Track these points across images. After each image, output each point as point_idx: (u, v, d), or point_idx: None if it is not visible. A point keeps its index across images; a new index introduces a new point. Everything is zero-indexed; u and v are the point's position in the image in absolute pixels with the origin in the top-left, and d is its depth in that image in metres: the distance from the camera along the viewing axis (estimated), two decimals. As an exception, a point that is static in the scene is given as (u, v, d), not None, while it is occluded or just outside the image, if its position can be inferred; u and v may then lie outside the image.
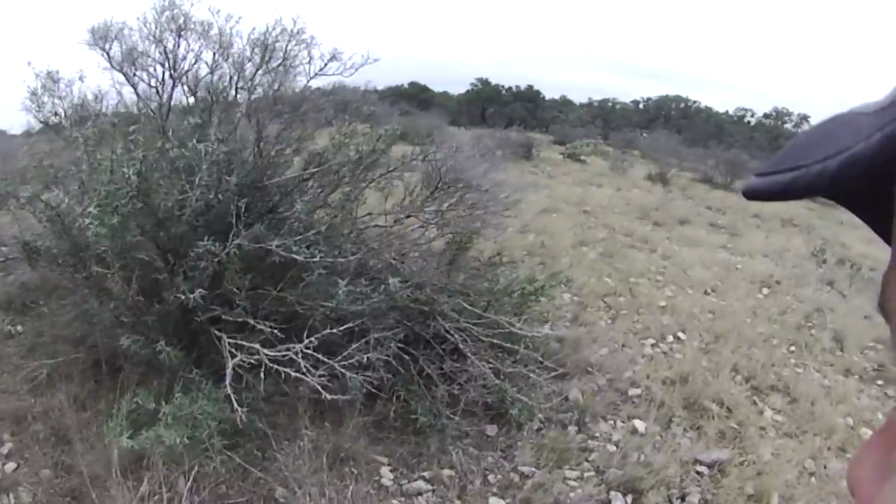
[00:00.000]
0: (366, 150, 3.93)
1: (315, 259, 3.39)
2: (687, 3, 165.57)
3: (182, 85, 4.88)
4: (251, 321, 3.47)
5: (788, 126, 57.17)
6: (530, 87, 63.22)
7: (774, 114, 58.03)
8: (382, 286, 3.55)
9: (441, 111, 43.07)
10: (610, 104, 64.01)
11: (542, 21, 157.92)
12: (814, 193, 0.31)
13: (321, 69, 4.61)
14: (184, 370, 3.49)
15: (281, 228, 3.75)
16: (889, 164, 0.26)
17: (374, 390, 3.77)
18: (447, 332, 4.08)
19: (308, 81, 4.72)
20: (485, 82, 63.90)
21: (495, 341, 4.16)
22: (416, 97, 61.16)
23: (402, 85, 67.21)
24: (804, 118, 56.81)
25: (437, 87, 67.52)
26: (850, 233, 13.24)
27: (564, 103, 63.60)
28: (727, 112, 61.14)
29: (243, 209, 3.54)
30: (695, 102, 63.13)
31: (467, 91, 64.00)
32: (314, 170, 4.02)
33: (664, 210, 12.95)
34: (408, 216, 4.35)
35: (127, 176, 3.30)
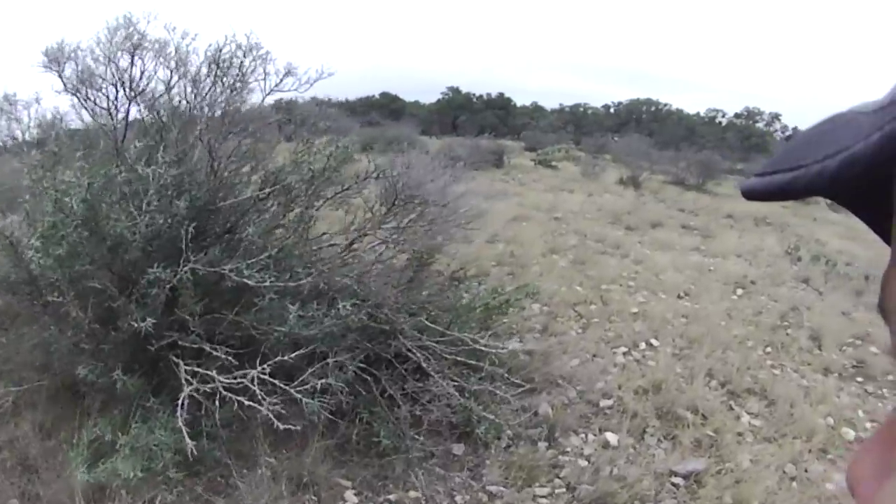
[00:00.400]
0: (318, 169, 3.82)
1: (265, 284, 3.29)
2: (655, 6, 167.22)
3: (138, 105, 4.75)
4: (207, 347, 3.38)
5: (760, 125, 57.72)
6: (501, 94, 63.46)
7: (746, 113, 58.49)
8: (334, 310, 3.45)
9: (412, 121, 43.18)
10: (581, 109, 64.34)
11: (513, 28, 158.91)
12: (813, 193, 0.30)
13: (276, 85, 4.50)
14: (142, 398, 3.41)
15: (237, 251, 3.65)
16: (889, 164, 0.26)
17: (333, 416, 3.65)
18: (409, 350, 3.98)
19: (264, 98, 4.63)
20: (456, 91, 64.15)
21: (460, 358, 4.05)
22: (387, 107, 61.33)
23: (373, 95, 67.38)
24: (775, 116, 57.35)
25: (408, 97, 67.63)
26: (825, 229, 13.28)
27: (536, 109, 63.92)
28: (698, 113, 61.63)
29: (194, 233, 3.42)
30: (666, 105, 63.63)
31: (438, 100, 64.26)
32: (269, 189, 3.92)
33: (636, 214, 12.89)
34: (364, 234, 4.23)
35: (70, 205, 3.20)
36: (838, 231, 13.18)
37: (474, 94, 63.69)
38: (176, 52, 4.59)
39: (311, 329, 3.38)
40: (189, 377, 3.22)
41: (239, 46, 4.38)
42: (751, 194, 0.35)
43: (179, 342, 3.46)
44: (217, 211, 3.85)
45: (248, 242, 3.65)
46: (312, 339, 3.41)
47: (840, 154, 0.28)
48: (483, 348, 3.98)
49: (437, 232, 4.49)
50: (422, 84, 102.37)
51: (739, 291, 8.37)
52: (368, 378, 3.91)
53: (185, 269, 3.32)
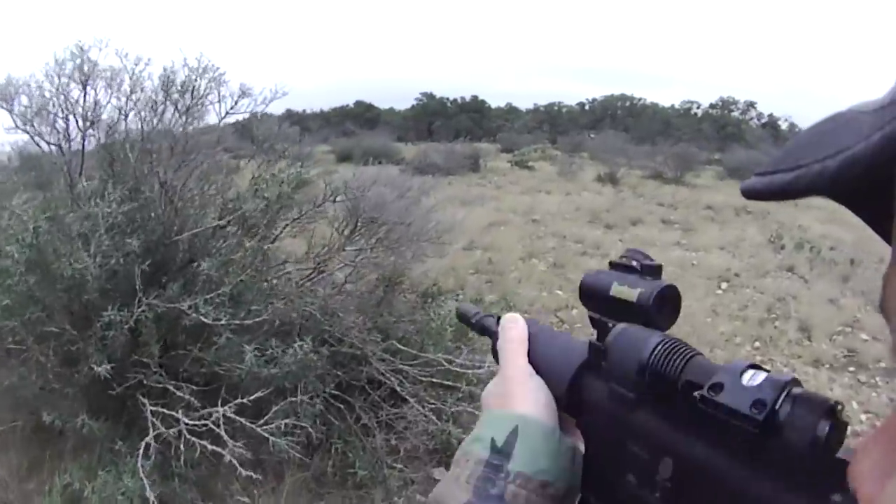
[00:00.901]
0: (272, 196, 3.64)
1: (221, 322, 3.16)
2: (625, 3, 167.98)
3: (92, 136, 4.54)
4: (170, 387, 3.28)
5: (735, 114, 57.97)
6: (475, 97, 63.71)
7: (720, 103, 58.88)
8: (291, 348, 3.28)
9: (387, 128, 43.11)
10: (556, 108, 64.51)
11: (484, 31, 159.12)
12: (814, 193, 0.30)
13: (232, 107, 4.39)
14: (111, 441, 3.31)
15: (195, 285, 3.51)
16: (889, 164, 0.26)
17: (309, 447, 3.56)
18: (382, 375, 3.83)
19: (220, 121, 4.49)
20: (430, 96, 64.33)
21: (436, 380, 3.91)
22: (361, 116, 61.30)
23: (348, 105, 67.42)
24: (751, 104, 57.74)
25: (383, 104, 67.80)
26: (806, 214, 13.13)
27: (510, 111, 64.08)
28: (673, 106, 62.02)
29: (153, 269, 3.37)
30: (640, 99, 64.01)
31: (413, 106, 64.42)
32: (226, 219, 3.78)
33: (615, 212, 12.74)
34: (327, 260, 4.07)
35: (12, 254, 3.11)
36: (820, 216, 13.05)
37: (448, 99, 63.83)
38: (130, 78, 4.43)
39: (271, 368, 3.23)
40: (154, 419, 3.14)
41: (192, 70, 4.29)
42: (751, 194, 0.34)
43: (145, 381, 3.34)
44: (174, 244, 3.70)
45: (206, 277, 3.49)
46: (273, 378, 3.27)
47: (840, 154, 0.28)
48: (458, 369, 3.83)
49: (405, 250, 4.34)
50: (396, 91, 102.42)
51: (724, 286, 8.23)
52: (342, 406, 3.77)
53: (140, 310, 3.20)
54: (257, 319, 3.31)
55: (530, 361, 0.72)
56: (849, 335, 6.54)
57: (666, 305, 0.62)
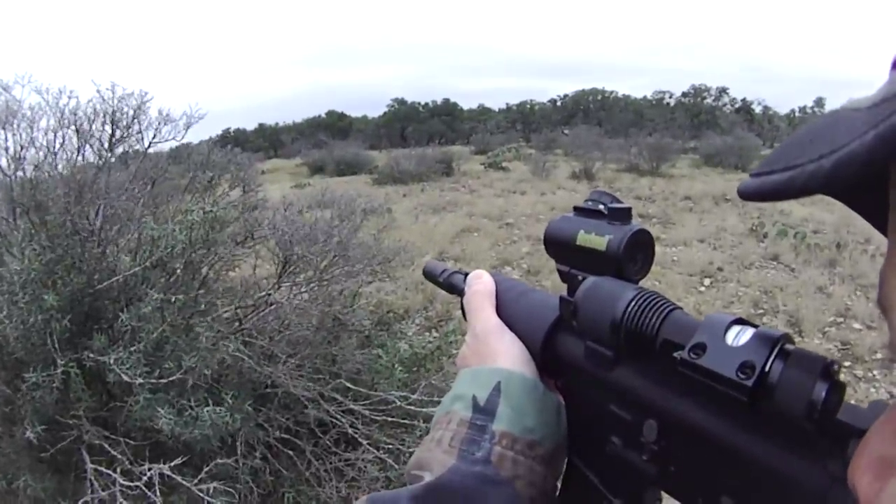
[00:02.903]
0: (182, 240, 3.33)
1: (137, 381, 2.90)
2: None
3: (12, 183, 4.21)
4: (106, 445, 3.06)
5: (708, 101, 58.52)
6: (447, 100, 63.94)
7: (693, 91, 59.36)
8: (208, 406, 3.03)
9: (360, 137, 43.10)
10: (528, 106, 64.73)
11: (450, 33, 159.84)
12: (810, 193, 0.29)
13: (154, 137, 4.16)
14: (55, 500, 3.15)
15: (122, 338, 3.22)
16: (883, 162, 0.25)
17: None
18: (333, 417, 3.52)
19: (146, 150, 4.24)
20: (401, 102, 64.73)
21: (390, 419, 3.58)
22: (334, 125, 61.43)
23: (320, 115, 67.58)
24: (723, 90, 58.23)
25: (355, 112, 68.00)
26: (786, 197, 12.90)
27: (482, 112, 64.50)
28: (645, 97, 62.48)
29: (81, 321, 3.20)
30: (612, 92, 64.50)
31: (384, 113, 64.69)
32: (142, 265, 3.41)
33: (591, 208, 12.17)
34: (257, 302, 3.69)
35: None
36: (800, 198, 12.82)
37: (419, 103, 64.15)
38: (59, 112, 4.09)
39: (190, 430, 2.96)
40: (94, 478, 2.96)
41: (117, 98, 4.02)
42: (747, 195, 0.33)
43: (84, 438, 3.11)
44: (96, 294, 3.38)
45: (129, 329, 3.20)
46: (196, 441, 3.00)
47: (835, 153, 0.27)
48: (414, 408, 3.53)
49: (346, 281, 4.02)
50: (368, 98, 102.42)
51: (707, 282, 7.94)
52: (291, 452, 3.49)
53: (60, 369, 2.95)
54: (172, 378, 3.00)
55: (501, 319, 0.69)
56: (841, 326, 6.32)
57: (638, 253, 0.60)
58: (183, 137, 4.24)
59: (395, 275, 4.60)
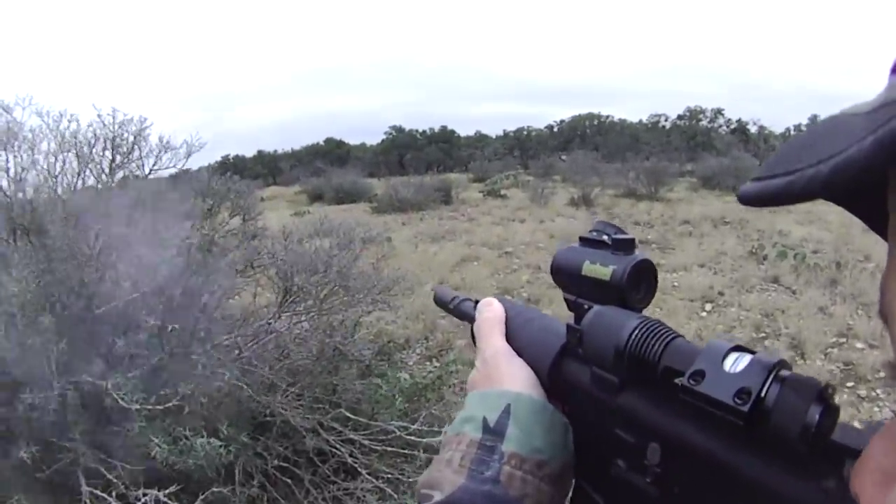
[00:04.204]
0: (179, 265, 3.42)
1: (134, 407, 2.90)
2: (580, 21, 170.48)
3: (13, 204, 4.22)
4: (101, 468, 3.02)
5: (704, 123, 58.58)
6: (444, 127, 63.93)
7: (688, 114, 59.45)
8: (201, 437, 3.00)
9: (357, 164, 43.14)
10: (525, 132, 64.87)
11: (446, 58, 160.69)
12: (809, 198, 0.30)
13: (154, 164, 4.24)
14: None
15: (121, 364, 3.21)
16: (882, 167, 0.26)
17: None
18: (332, 447, 3.51)
19: (147, 175, 4.31)
20: (399, 129, 64.85)
21: (390, 449, 3.58)
22: (332, 153, 61.50)
23: (318, 142, 67.70)
24: (718, 112, 58.40)
25: (353, 139, 68.10)
26: (783, 218, 12.95)
27: (480, 138, 64.65)
28: (640, 120, 62.53)
29: (79, 345, 3.13)
30: (608, 117, 64.60)
31: (382, 140, 64.71)
32: (140, 291, 3.43)
33: (589, 236, 12.13)
34: (257, 331, 3.70)
35: None
36: (797, 217, 12.90)
37: (417, 131, 64.20)
38: (59, 136, 4.15)
39: (184, 459, 2.94)
40: (88, 501, 2.94)
41: (117, 124, 4.10)
42: (747, 200, 0.34)
43: (80, 460, 3.07)
44: (95, 319, 3.35)
45: (130, 355, 3.23)
46: (192, 470, 2.97)
47: (833, 158, 0.28)
48: (414, 438, 3.51)
49: (346, 310, 4.01)
50: (366, 125, 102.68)
51: (708, 307, 7.90)
52: (290, 481, 3.46)
53: (56, 392, 2.93)
54: (168, 405, 2.99)
55: (510, 345, 0.71)
56: (843, 347, 6.28)
57: (641, 282, 0.61)
58: (184, 165, 4.29)
59: (394, 304, 4.58)
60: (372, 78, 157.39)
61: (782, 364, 0.42)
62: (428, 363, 5.71)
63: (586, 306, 0.62)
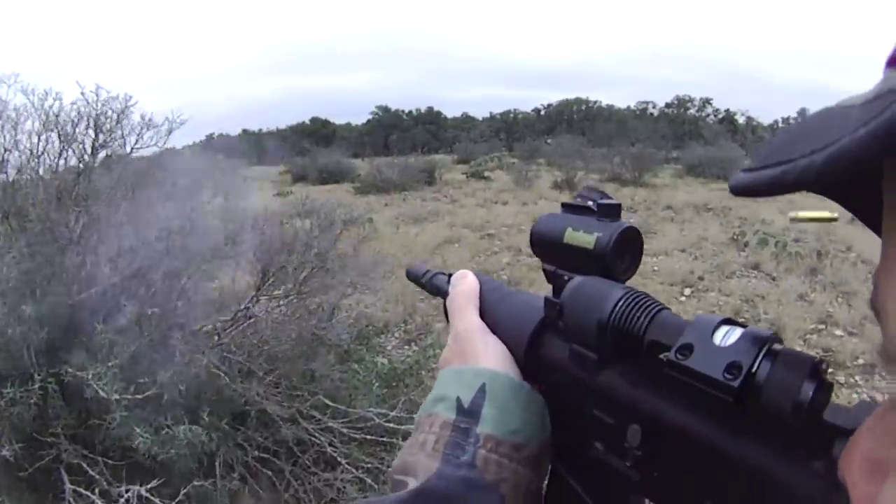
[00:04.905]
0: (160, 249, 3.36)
1: (114, 397, 2.85)
2: (571, 4, 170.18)
3: None
4: (84, 464, 3.03)
5: (692, 111, 58.85)
6: (431, 108, 63.87)
7: (676, 102, 59.72)
8: (183, 425, 2.96)
9: (343, 144, 42.97)
10: (512, 115, 64.85)
11: (438, 39, 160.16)
12: (801, 188, 0.29)
13: (136, 142, 4.15)
14: None
15: (101, 353, 3.13)
16: (875, 159, 0.25)
17: None
18: (312, 435, 3.46)
19: (129, 154, 4.22)
20: (385, 109, 64.66)
21: (369, 437, 3.54)
22: (318, 132, 61.26)
23: (304, 121, 67.43)
24: (706, 101, 58.67)
25: (339, 119, 67.79)
26: (767, 206, 12.98)
27: (466, 120, 64.56)
28: (629, 107, 62.73)
29: (59, 335, 3.11)
30: (595, 102, 64.71)
31: (368, 120, 64.55)
32: (121, 275, 3.43)
33: (572, 218, 12.08)
34: (235, 316, 3.63)
35: None
36: (780, 206, 12.88)
37: (404, 111, 64.01)
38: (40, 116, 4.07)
39: (167, 449, 2.88)
40: (72, 499, 2.93)
41: (102, 101, 4.00)
42: (739, 190, 0.32)
43: (62, 457, 3.05)
44: (76, 306, 3.32)
45: (108, 343, 3.12)
46: (174, 460, 2.93)
47: (827, 149, 0.27)
48: (393, 425, 3.48)
49: (325, 294, 3.96)
50: (352, 104, 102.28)
51: (687, 291, 7.94)
52: (270, 472, 3.41)
53: (38, 385, 2.92)
54: (147, 394, 2.93)
55: (485, 321, 0.67)
56: (822, 333, 6.34)
57: (627, 251, 0.58)
58: (165, 143, 4.22)
59: (374, 287, 4.52)
60: (359, 58, 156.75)
61: (775, 338, 0.40)
62: (407, 347, 5.72)
63: (566, 277, 0.59)
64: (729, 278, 8.34)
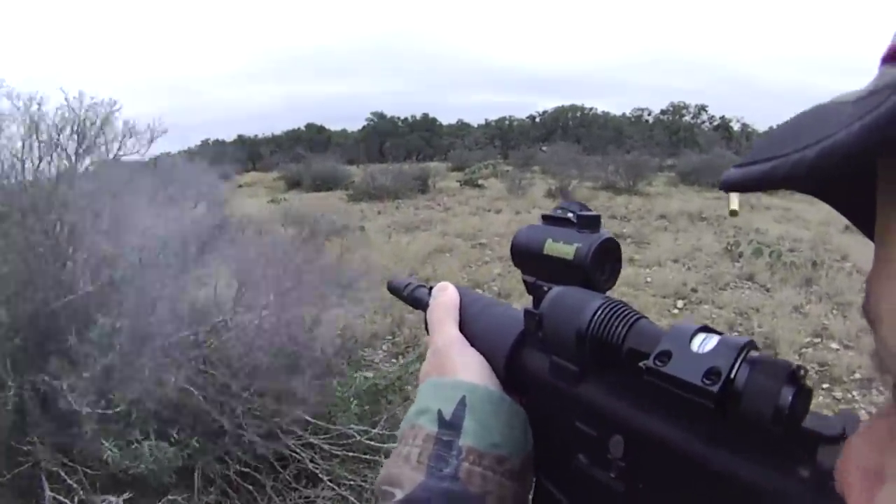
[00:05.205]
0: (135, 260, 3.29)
1: (85, 410, 2.83)
2: (566, 11, 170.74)
3: None
4: (62, 472, 2.97)
5: (687, 118, 59.07)
6: (426, 115, 64.07)
7: (671, 109, 59.99)
8: (149, 440, 2.89)
9: (338, 151, 43.10)
10: (507, 122, 65.03)
11: (433, 46, 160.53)
12: (791, 183, 0.30)
13: (119, 149, 4.21)
14: None
15: (80, 362, 3.11)
16: (868, 155, 0.25)
17: None
18: (293, 451, 3.40)
19: (113, 159, 4.27)
20: (380, 116, 64.93)
21: (351, 454, 3.46)
22: (313, 139, 61.34)
23: (299, 127, 67.59)
24: (702, 108, 58.91)
25: (334, 125, 68.07)
26: (761, 216, 12.95)
27: (461, 127, 64.78)
28: (624, 114, 62.99)
29: (38, 341, 3.14)
30: (591, 109, 64.93)
31: (363, 127, 64.75)
32: (95, 284, 3.41)
33: (565, 228, 11.96)
34: (210, 330, 3.59)
35: None
36: (774, 215, 12.89)
37: (399, 118, 64.24)
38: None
39: (138, 464, 2.82)
40: None
41: (85, 107, 4.06)
42: (729, 185, 0.33)
43: (42, 465, 3.02)
44: (53, 314, 3.30)
45: (84, 354, 3.10)
46: (145, 476, 2.87)
47: (819, 144, 0.27)
48: (375, 443, 3.42)
49: (310, 303, 3.89)
50: (347, 110, 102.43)
51: (680, 304, 7.81)
52: (251, 487, 3.34)
53: (12, 392, 2.94)
54: (118, 409, 2.88)
55: (464, 334, 0.67)
56: (818, 347, 6.24)
57: (606, 262, 0.59)
58: (147, 150, 4.26)
59: (359, 298, 4.43)
60: (354, 64, 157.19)
61: (751, 345, 0.40)
62: (394, 360, 5.61)
63: (546, 288, 0.59)
64: (723, 290, 8.24)
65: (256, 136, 68.07)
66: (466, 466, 0.56)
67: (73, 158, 3.98)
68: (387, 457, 2.76)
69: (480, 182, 21.77)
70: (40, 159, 3.92)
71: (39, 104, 3.97)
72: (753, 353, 0.40)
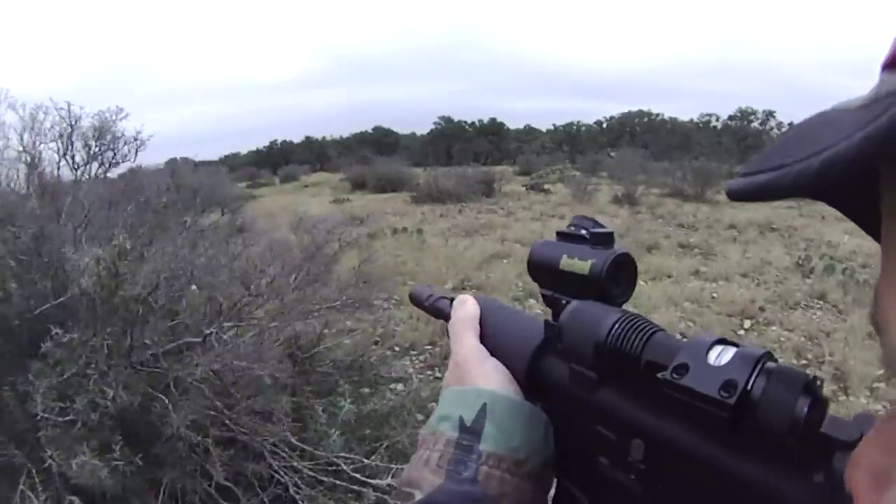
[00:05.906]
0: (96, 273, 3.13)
1: (40, 414, 2.77)
2: (633, 17, 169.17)
3: None
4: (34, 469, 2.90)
5: (755, 125, 58.02)
6: (493, 119, 64.17)
7: (739, 114, 59.16)
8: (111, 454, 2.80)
9: (405, 153, 43.47)
10: (574, 127, 64.77)
11: (501, 51, 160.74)
12: (796, 192, 0.29)
13: (125, 155, 4.23)
14: None
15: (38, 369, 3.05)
16: (871, 163, 0.26)
17: None
18: (275, 472, 3.23)
19: (107, 171, 4.32)
20: (448, 119, 65.27)
21: (339, 483, 3.26)
22: (380, 141, 61.90)
23: (367, 130, 68.15)
24: (770, 114, 57.99)
25: (403, 129, 68.59)
26: (833, 227, 12.40)
27: (529, 132, 64.76)
28: (692, 120, 62.29)
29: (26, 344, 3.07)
30: (658, 115, 64.22)
31: (431, 130, 64.98)
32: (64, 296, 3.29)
33: (630, 236, 11.80)
34: (188, 344, 3.35)
35: None
36: (848, 227, 12.25)
37: (466, 122, 64.39)
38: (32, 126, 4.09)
39: (103, 477, 2.71)
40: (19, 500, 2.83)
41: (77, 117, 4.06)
42: (734, 194, 0.33)
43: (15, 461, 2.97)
44: (37, 318, 3.20)
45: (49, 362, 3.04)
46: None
47: (823, 153, 0.27)
48: (366, 478, 3.20)
49: (314, 317, 3.71)
50: (416, 114, 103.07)
51: (747, 324, 7.32)
52: None
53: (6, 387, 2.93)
54: (68, 417, 2.85)
55: (486, 343, 0.69)
56: (892, 382, 5.50)
57: (621, 276, 0.60)
58: (135, 159, 4.31)
59: (372, 311, 4.28)
60: (421, 68, 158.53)
61: (768, 356, 0.41)
62: (430, 372, 5.37)
63: (564, 301, 0.60)
64: (792, 309, 7.75)
65: (324, 137, 68.93)
66: (486, 470, 0.57)
67: (76, 166, 4.04)
68: (376, 491, 2.64)
69: (546, 187, 21.63)
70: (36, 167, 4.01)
71: (47, 113, 4.09)
72: (770, 364, 0.40)
